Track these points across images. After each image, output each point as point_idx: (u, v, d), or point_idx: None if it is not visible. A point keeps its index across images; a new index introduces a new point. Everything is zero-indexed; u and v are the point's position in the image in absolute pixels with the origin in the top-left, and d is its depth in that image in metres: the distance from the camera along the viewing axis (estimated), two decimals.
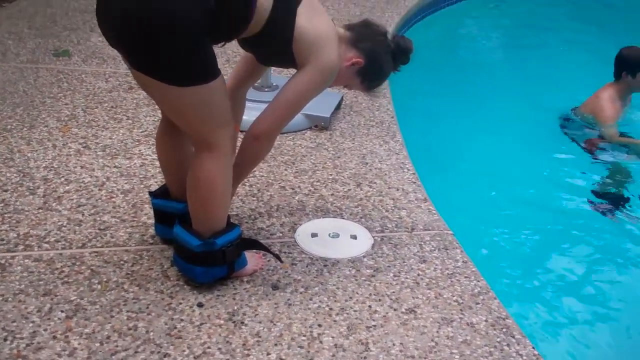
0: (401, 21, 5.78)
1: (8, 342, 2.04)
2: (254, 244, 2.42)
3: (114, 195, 2.85)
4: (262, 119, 2.27)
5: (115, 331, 2.11)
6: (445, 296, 2.35)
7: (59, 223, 2.64)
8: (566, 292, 3.01)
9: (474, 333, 2.18)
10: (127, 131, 3.42)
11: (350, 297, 2.31)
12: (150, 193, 2.51)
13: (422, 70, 5.31)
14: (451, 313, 2.27)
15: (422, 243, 2.64)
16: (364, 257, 2.53)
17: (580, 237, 3.38)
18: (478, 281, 2.44)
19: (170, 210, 2.42)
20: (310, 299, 2.29)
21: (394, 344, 2.12)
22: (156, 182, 2.93)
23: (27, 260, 2.41)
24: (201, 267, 2.24)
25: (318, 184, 3.02)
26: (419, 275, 2.45)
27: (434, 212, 2.86)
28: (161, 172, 2.49)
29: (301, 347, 2.08)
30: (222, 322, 2.17)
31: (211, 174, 2.15)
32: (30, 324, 2.12)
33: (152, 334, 2.10)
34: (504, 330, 2.20)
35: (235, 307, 2.23)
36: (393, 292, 2.35)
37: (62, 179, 2.95)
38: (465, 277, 2.45)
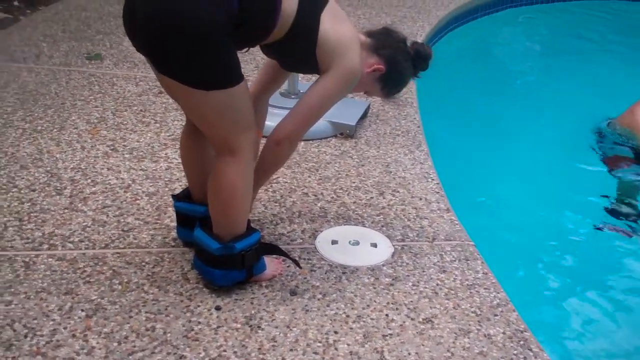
0: (432, 31, 5.76)
1: (28, 338, 2.08)
2: (273, 249, 2.43)
3: (139, 198, 2.88)
4: (285, 123, 2.29)
5: (133, 331, 2.13)
6: (463, 307, 2.34)
7: (84, 223, 2.68)
8: (588, 308, 2.97)
9: (491, 345, 2.17)
10: (155, 135, 3.46)
11: (368, 305, 2.31)
12: (173, 196, 2.54)
13: (453, 81, 5.33)
14: (469, 324, 2.26)
15: (443, 253, 2.63)
16: (383, 265, 2.53)
17: (606, 253, 3.34)
18: (498, 293, 2.42)
19: (192, 213, 2.44)
20: (328, 306, 2.29)
21: (409, 353, 2.11)
22: (181, 185, 2.96)
23: (50, 259, 2.45)
24: (220, 270, 2.26)
25: (341, 191, 3.03)
26: (437, 285, 2.44)
27: (457, 222, 2.85)
28: (185, 176, 2.52)
29: (316, 353, 2.09)
30: (239, 325, 2.18)
31: (232, 178, 2.17)
32: (51, 322, 2.15)
33: (169, 335, 2.12)
34: (522, 343, 2.19)
35: (253, 312, 2.24)
36: (411, 301, 2.35)
37: (89, 180, 2.99)
38: (485, 289, 2.44)
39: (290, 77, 3.63)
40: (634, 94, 4.43)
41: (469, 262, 2.59)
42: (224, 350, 2.07)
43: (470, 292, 2.42)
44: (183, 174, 2.94)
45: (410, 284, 2.44)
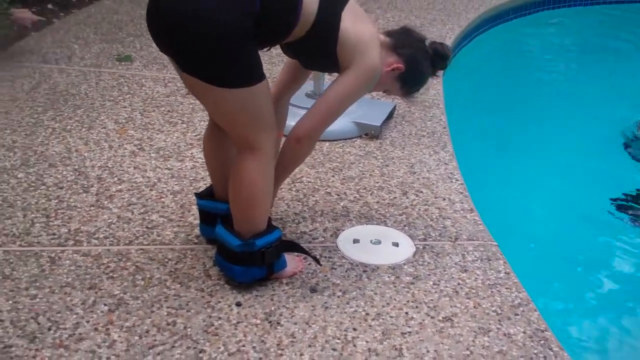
0: (462, 34, 5.74)
1: (52, 331, 2.11)
2: (294, 247, 2.45)
3: (164, 196, 2.92)
4: (304, 121, 2.31)
5: (154, 326, 2.16)
6: (484, 306, 2.33)
7: (109, 220, 2.72)
8: (612, 309, 2.94)
9: (511, 344, 2.16)
10: (181, 134, 3.50)
11: (388, 303, 2.31)
12: (196, 194, 2.57)
13: (482, 83, 5.31)
14: (489, 323, 2.25)
15: (465, 253, 2.62)
16: (404, 264, 2.53)
17: (632, 255, 3.30)
18: (519, 292, 2.41)
19: (214, 210, 2.46)
20: (347, 303, 2.30)
21: (427, 351, 2.11)
22: (205, 184, 2.98)
23: (75, 255, 2.49)
24: (240, 267, 2.28)
25: (364, 191, 3.03)
26: (459, 284, 2.44)
27: (480, 222, 2.84)
28: (209, 174, 2.55)
29: (334, 349, 2.09)
30: (258, 321, 2.19)
31: (252, 176, 2.19)
32: (74, 316, 2.19)
33: (189, 330, 2.14)
34: (542, 342, 2.17)
35: (273, 308, 2.26)
36: (431, 299, 2.34)
37: (115, 179, 3.03)
38: (507, 288, 2.43)
39: (316, 78, 3.65)
40: None
41: (491, 262, 2.58)
42: (243, 346, 2.09)
43: (492, 292, 2.40)
44: (208, 173, 2.98)
45: (431, 282, 2.44)
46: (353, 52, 2.21)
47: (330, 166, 3.25)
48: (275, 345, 2.10)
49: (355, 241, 2.64)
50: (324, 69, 2.49)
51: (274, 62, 4.39)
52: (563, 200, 3.74)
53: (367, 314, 2.26)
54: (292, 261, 2.43)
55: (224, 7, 1.98)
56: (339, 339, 2.14)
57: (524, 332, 2.21)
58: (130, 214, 2.77)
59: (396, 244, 2.64)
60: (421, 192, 3.05)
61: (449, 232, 2.76)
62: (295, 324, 2.19)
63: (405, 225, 2.78)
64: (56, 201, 2.84)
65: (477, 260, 2.58)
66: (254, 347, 2.09)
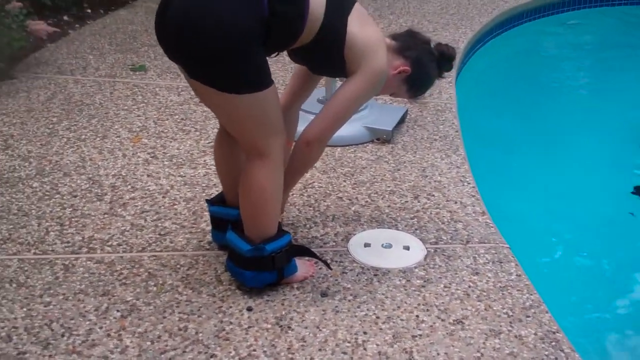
0: (475, 37, 5.74)
1: (65, 337, 2.14)
2: (304, 251, 2.46)
3: (177, 203, 2.94)
4: (314, 125, 2.33)
5: (166, 331, 2.18)
6: (495, 308, 2.33)
7: (122, 228, 2.75)
8: (627, 311, 2.93)
9: (522, 346, 2.15)
10: (194, 142, 3.53)
11: (398, 307, 2.32)
12: (208, 200, 2.59)
13: (496, 86, 5.30)
14: (500, 325, 2.24)
15: (476, 255, 2.62)
16: (415, 267, 2.53)
17: None
18: (531, 294, 2.40)
19: (225, 216, 2.48)
20: (358, 307, 2.31)
21: (438, 354, 2.11)
22: (217, 190, 2.98)
23: (89, 262, 2.52)
24: (251, 272, 2.29)
25: (375, 195, 3.04)
26: (470, 287, 2.43)
27: (492, 225, 2.83)
28: (220, 180, 2.57)
29: (345, 353, 2.10)
30: (269, 326, 2.21)
31: (262, 182, 2.21)
32: (87, 322, 2.21)
33: (201, 335, 2.16)
34: (553, 344, 2.16)
35: (283, 312, 2.27)
36: (442, 302, 2.35)
37: (129, 187, 3.06)
38: (518, 290, 2.42)
39: (328, 84, 3.66)
40: None
41: (502, 264, 2.57)
42: (254, 350, 2.10)
43: (503, 294, 2.40)
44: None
45: (442, 285, 2.44)
46: (360, 56, 2.23)
47: (342, 171, 3.26)
48: (286, 349, 2.11)
49: (366, 245, 2.65)
50: (331, 73, 2.51)
51: (286, 68, 4.41)
52: (577, 202, 3.72)
53: (378, 317, 2.26)
54: (302, 266, 2.45)
55: (232, 13, 2.00)
56: (349, 342, 2.15)
57: (535, 334, 2.21)
58: (143, 222, 2.79)
59: (407, 248, 2.64)
60: (433, 195, 3.06)
61: (460, 235, 2.75)
62: (306, 328, 2.20)
63: (416, 229, 2.78)
64: (70, 209, 2.87)
65: (488, 262, 2.58)
66: (264, 352, 2.10)
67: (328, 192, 3.06)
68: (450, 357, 2.10)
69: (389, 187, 3.12)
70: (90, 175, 3.16)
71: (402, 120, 3.77)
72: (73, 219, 2.80)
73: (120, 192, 3.02)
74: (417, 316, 2.27)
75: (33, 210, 2.86)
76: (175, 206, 2.92)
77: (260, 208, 2.25)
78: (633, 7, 7.28)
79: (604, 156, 4.24)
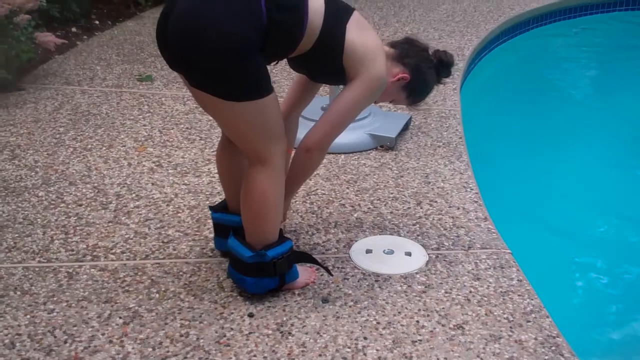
0: (481, 44, 5.75)
1: (67, 344, 2.16)
2: (305, 257, 2.48)
3: (180, 211, 2.96)
4: (314, 131, 2.34)
5: (167, 337, 2.19)
6: (496, 313, 2.33)
7: (126, 236, 2.77)
8: (629, 316, 2.92)
9: (522, 350, 2.16)
10: (199, 151, 3.55)
11: (399, 312, 2.32)
12: (210, 207, 2.61)
13: (502, 94, 5.31)
14: (500, 330, 2.25)
15: (478, 261, 2.62)
16: (416, 273, 2.54)
17: None
18: (531, 299, 2.41)
19: (228, 223, 2.50)
20: (359, 313, 2.32)
21: (438, 359, 2.11)
22: (221, 198, 3.01)
23: (93, 270, 2.54)
24: (252, 278, 2.31)
25: (378, 202, 3.05)
26: (470, 292, 2.44)
27: (494, 231, 2.84)
28: (222, 187, 2.60)
29: (345, 358, 2.11)
30: (270, 332, 2.22)
31: (263, 188, 2.23)
32: (90, 329, 2.23)
33: (202, 341, 2.18)
34: (553, 348, 2.17)
35: (284, 318, 2.28)
36: (443, 308, 2.35)
37: (133, 195, 3.09)
38: (519, 296, 2.43)
39: (332, 92, 3.69)
40: None
41: (504, 269, 2.57)
42: (254, 356, 2.12)
43: (504, 299, 2.40)
44: None
45: (443, 291, 2.44)
46: (359, 63, 2.24)
47: (345, 178, 3.27)
48: (286, 355, 2.12)
49: (368, 251, 2.66)
50: (331, 81, 2.52)
51: (291, 77, 4.43)
52: (580, 207, 3.72)
53: (378, 323, 2.27)
54: (304, 272, 2.46)
55: (232, 22, 2.02)
56: (349, 347, 2.15)
57: (536, 339, 2.21)
58: (147, 229, 2.82)
59: (409, 254, 2.65)
60: (435, 201, 3.06)
61: (462, 240, 2.76)
62: (307, 333, 2.21)
63: (418, 235, 2.79)
64: (75, 218, 2.90)
65: (489, 268, 2.58)
66: (264, 357, 2.11)
67: (331, 199, 3.07)
68: None
69: (391, 193, 3.13)
70: (96, 184, 3.19)
71: (405, 128, 3.79)
72: (78, 228, 2.82)
73: (124, 201, 3.04)
74: (418, 321, 2.28)
75: (38, 219, 2.89)
76: (179, 214, 2.94)
77: (261, 214, 2.27)
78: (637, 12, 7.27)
79: (608, 164, 4.23)
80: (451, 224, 2.89)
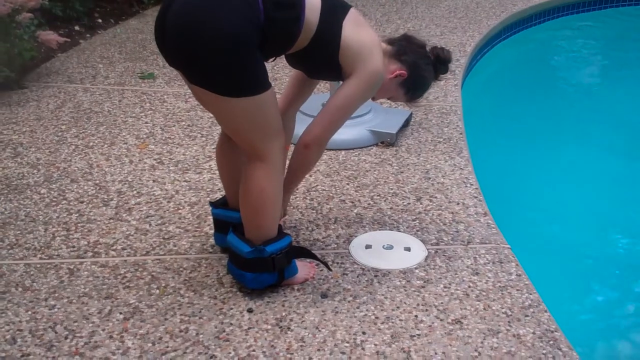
0: (482, 40, 5.75)
1: (68, 340, 2.18)
2: (304, 253, 2.49)
3: (181, 207, 2.98)
4: (312, 127, 2.35)
5: (167, 333, 2.21)
6: (494, 308, 2.34)
7: (127, 232, 2.79)
8: (627, 311, 2.93)
9: (520, 344, 2.16)
10: (200, 148, 3.57)
11: (398, 307, 2.33)
12: (211, 203, 2.62)
13: (504, 90, 5.31)
14: (498, 325, 2.25)
15: (477, 256, 2.63)
16: (415, 268, 2.55)
17: None
18: (530, 294, 2.41)
19: (228, 219, 2.51)
20: (358, 308, 2.33)
21: (436, 353, 2.12)
22: (222, 195, 3.02)
23: (93, 266, 2.56)
24: (251, 273, 2.32)
25: (378, 197, 3.06)
26: (469, 287, 2.45)
27: (493, 226, 2.85)
28: (222, 184, 2.61)
29: (343, 352, 2.12)
30: (269, 327, 2.23)
31: (262, 184, 2.24)
32: (90, 324, 2.25)
33: (201, 336, 2.19)
34: (551, 342, 2.17)
35: (284, 314, 2.29)
36: (441, 302, 2.36)
37: (135, 192, 3.11)
38: (517, 290, 2.43)
39: (333, 89, 3.69)
40: None
41: (503, 264, 2.58)
42: (253, 350, 2.13)
43: (502, 294, 2.41)
44: None
45: (442, 286, 2.45)
46: (355, 60, 2.26)
47: (345, 174, 3.28)
48: (285, 350, 2.13)
49: (368, 247, 2.67)
50: (328, 77, 2.53)
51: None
52: (580, 202, 3.73)
53: (377, 317, 2.28)
54: (303, 268, 2.47)
55: (229, 19, 2.03)
56: (347, 342, 2.17)
57: (534, 333, 2.22)
58: (147, 226, 2.83)
59: (408, 249, 2.66)
60: (435, 197, 3.07)
61: (461, 236, 2.77)
62: (305, 328, 2.23)
63: (418, 230, 2.80)
64: (77, 215, 2.91)
65: (488, 263, 2.59)
66: (263, 352, 2.12)
67: (331, 195, 3.08)
68: (448, 356, 2.11)
69: (391, 189, 3.14)
70: (97, 182, 3.20)
71: (406, 124, 3.79)
72: (79, 224, 2.84)
73: (126, 198, 3.06)
74: (416, 316, 2.29)
75: (40, 216, 2.90)
76: (180, 210, 2.95)
77: (260, 210, 2.28)
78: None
79: (609, 160, 4.23)
80: (451, 219, 2.90)
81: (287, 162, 2.49)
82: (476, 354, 2.13)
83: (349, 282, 2.47)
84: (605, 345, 2.76)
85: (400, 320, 2.27)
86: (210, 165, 3.36)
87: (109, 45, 5.42)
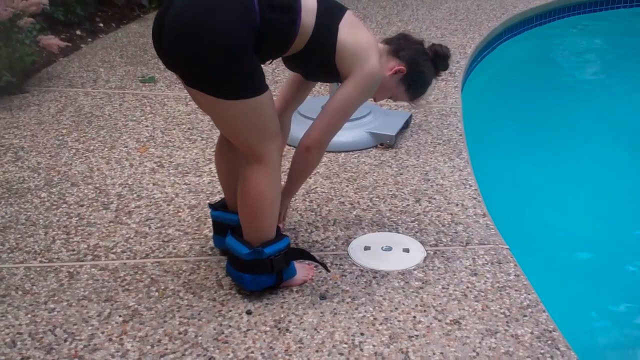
0: (483, 42, 5.75)
1: (68, 342, 2.18)
2: (302, 254, 2.49)
3: (181, 210, 2.99)
4: (312, 130, 2.36)
5: (166, 335, 2.21)
6: (492, 308, 2.34)
7: (127, 235, 2.80)
8: (626, 310, 2.93)
9: (518, 344, 2.17)
10: (200, 151, 3.58)
11: (396, 308, 2.34)
12: (210, 205, 2.63)
13: (504, 92, 5.31)
14: (496, 325, 2.26)
15: (476, 257, 2.64)
16: (414, 269, 2.56)
17: None
18: (528, 294, 2.41)
19: (227, 221, 2.52)
20: (356, 309, 2.33)
21: (434, 353, 2.13)
22: (221, 197, 3.03)
23: (93, 269, 2.57)
24: (250, 275, 2.33)
25: (377, 199, 3.07)
26: (468, 287, 2.45)
27: (492, 227, 2.85)
28: (221, 186, 2.62)
29: (341, 354, 2.13)
30: (267, 328, 2.24)
31: (259, 186, 2.25)
32: (90, 327, 2.25)
33: (200, 338, 2.20)
34: (549, 342, 2.17)
35: (282, 315, 2.30)
36: (439, 303, 2.36)
37: (135, 195, 3.12)
38: (516, 291, 2.44)
39: (332, 91, 3.70)
40: None
41: (501, 265, 2.58)
42: (252, 352, 2.13)
43: (501, 294, 2.41)
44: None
45: (440, 286, 2.46)
46: (352, 61, 2.27)
47: (345, 176, 3.29)
48: (283, 351, 2.14)
49: (366, 248, 2.67)
50: (325, 79, 2.54)
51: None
52: (582, 202, 3.73)
53: (375, 318, 2.29)
54: (302, 269, 2.48)
55: (226, 22, 2.04)
56: (346, 343, 2.17)
57: (532, 333, 2.22)
58: (147, 229, 2.84)
59: (407, 250, 2.66)
60: (434, 198, 3.08)
61: (460, 237, 2.77)
62: (304, 330, 2.23)
63: (416, 232, 2.81)
64: (77, 218, 2.92)
65: (487, 263, 2.59)
66: (262, 354, 2.13)
67: (330, 197, 3.09)
68: (446, 356, 2.12)
69: (390, 191, 3.15)
70: (97, 185, 3.21)
71: (406, 126, 3.80)
72: (79, 228, 2.85)
73: (126, 201, 3.07)
74: (415, 317, 2.29)
75: (41, 220, 2.91)
76: (180, 213, 2.96)
77: (258, 212, 2.29)
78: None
79: (607, 161, 4.23)
80: (450, 220, 2.90)
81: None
82: (474, 354, 2.13)
83: (347, 283, 2.47)
84: (604, 344, 2.77)
85: (399, 321, 2.28)
86: (210, 168, 3.37)
87: (110, 49, 5.44)
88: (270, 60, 2.31)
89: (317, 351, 2.14)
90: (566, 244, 3.35)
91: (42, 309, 2.35)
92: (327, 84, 3.77)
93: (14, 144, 3.67)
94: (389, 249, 2.67)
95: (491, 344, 2.17)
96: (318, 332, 2.22)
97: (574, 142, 4.47)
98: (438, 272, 2.54)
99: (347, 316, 2.30)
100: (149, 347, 2.16)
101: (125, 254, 2.67)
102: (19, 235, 2.80)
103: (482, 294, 2.42)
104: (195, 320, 2.29)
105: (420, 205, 3.02)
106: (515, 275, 2.53)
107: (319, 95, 4.27)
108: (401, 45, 2.44)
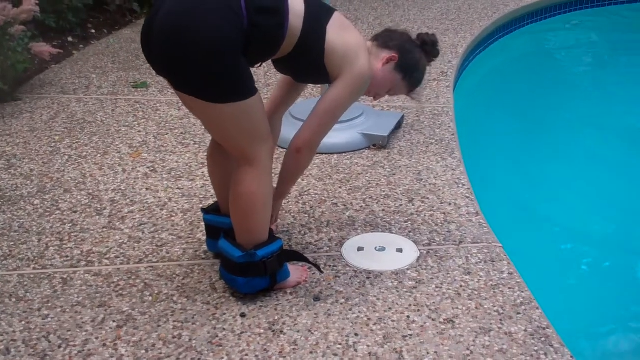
0: (475, 42, 5.76)
1: (62, 349, 2.18)
2: (295, 256, 2.50)
3: (174, 215, 2.99)
4: (302, 131, 2.37)
5: (160, 339, 2.21)
6: (486, 307, 2.34)
7: (120, 241, 2.80)
8: (619, 308, 2.94)
9: (511, 342, 2.17)
10: (193, 155, 3.58)
11: (390, 308, 2.34)
12: (203, 209, 2.63)
13: (497, 91, 5.32)
14: (490, 323, 2.26)
15: (469, 255, 2.64)
16: (407, 269, 2.56)
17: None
18: (522, 292, 2.42)
19: (219, 225, 2.52)
20: (350, 310, 2.33)
21: (428, 353, 2.13)
22: (214, 201, 3.03)
23: (87, 275, 2.57)
24: (243, 278, 2.33)
25: (370, 200, 3.07)
26: (461, 286, 2.46)
27: (485, 225, 2.85)
28: (213, 190, 2.62)
29: (336, 354, 2.13)
30: (262, 331, 2.24)
31: (251, 188, 2.25)
32: (84, 333, 2.25)
33: (194, 342, 2.20)
34: (543, 339, 2.18)
35: (276, 317, 2.30)
36: (433, 302, 2.37)
37: (128, 200, 3.12)
38: (509, 288, 2.44)
39: (324, 92, 3.70)
40: None
41: (494, 263, 2.59)
42: (246, 355, 2.13)
43: (494, 292, 2.42)
44: None
45: (434, 286, 2.46)
46: (341, 62, 2.27)
47: (337, 178, 3.29)
48: (278, 353, 2.14)
49: (360, 249, 2.68)
50: (315, 81, 2.55)
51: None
52: (575, 200, 3.75)
53: (369, 319, 2.29)
54: (296, 271, 2.48)
55: (214, 25, 2.05)
56: (340, 344, 2.17)
57: (525, 330, 2.22)
58: (141, 234, 2.84)
59: (400, 250, 2.67)
60: (427, 198, 3.08)
61: (453, 236, 2.78)
62: (298, 331, 2.23)
63: (410, 232, 2.81)
64: (70, 225, 2.92)
65: (480, 262, 2.60)
66: (256, 356, 2.13)
67: (323, 198, 3.09)
68: (440, 355, 2.12)
69: (383, 191, 3.15)
70: (90, 191, 3.21)
71: (398, 126, 3.81)
72: (72, 234, 2.85)
73: (119, 206, 3.07)
74: (408, 317, 2.30)
75: (34, 227, 2.91)
76: (173, 218, 2.96)
77: (250, 214, 2.29)
78: (629, 6, 7.26)
79: (599, 159, 4.25)
80: (443, 219, 2.90)
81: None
82: (468, 352, 2.13)
83: (341, 284, 2.48)
84: (598, 341, 2.77)
85: (393, 321, 2.28)
86: (203, 172, 3.37)
87: (102, 56, 5.43)
88: (260, 63, 2.31)
89: (311, 352, 2.14)
90: (559, 241, 3.37)
91: (35, 315, 2.35)
92: (319, 85, 3.77)
93: (6, 152, 3.67)
94: (383, 249, 2.68)
95: (485, 342, 2.18)
96: (312, 333, 2.23)
97: (567, 139, 4.48)
98: (431, 271, 2.55)
99: (341, 317, 2.30)
100: (143, 351, 2.16)
101: (118, 259, 2.67)
102: (12, 243, 2.79)
103: (476, 292, 2.42)
104: (189, 324, 2.29)
105: (413, 205, 3.03)
106: (508, 273, 2.53)
107: (311, 97, 4.27)
108: (388, 37, 2.47)
